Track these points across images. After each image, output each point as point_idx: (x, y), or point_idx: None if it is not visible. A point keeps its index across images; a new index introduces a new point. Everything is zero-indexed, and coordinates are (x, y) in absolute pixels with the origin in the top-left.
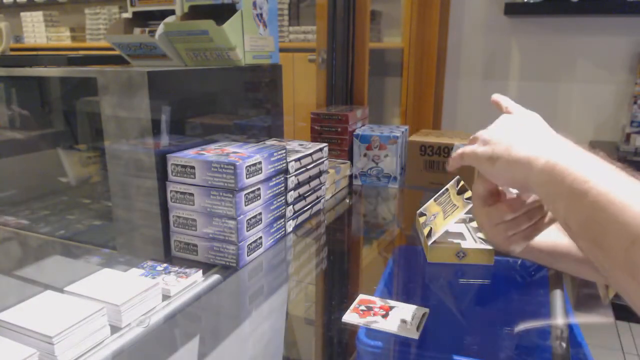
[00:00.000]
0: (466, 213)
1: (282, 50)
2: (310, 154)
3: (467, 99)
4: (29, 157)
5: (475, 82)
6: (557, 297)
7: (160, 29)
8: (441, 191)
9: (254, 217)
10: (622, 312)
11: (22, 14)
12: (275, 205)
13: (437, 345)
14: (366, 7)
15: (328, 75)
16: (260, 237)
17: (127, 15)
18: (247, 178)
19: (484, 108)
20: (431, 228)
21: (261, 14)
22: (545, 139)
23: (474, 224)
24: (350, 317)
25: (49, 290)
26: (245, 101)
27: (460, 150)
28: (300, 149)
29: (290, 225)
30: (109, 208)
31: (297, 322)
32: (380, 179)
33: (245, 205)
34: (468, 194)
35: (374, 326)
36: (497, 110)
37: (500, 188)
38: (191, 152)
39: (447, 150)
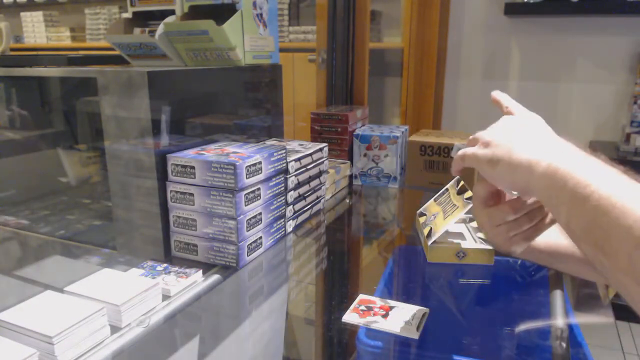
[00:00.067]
0: (466, 213)
1: (282, 50)
2: (310, 154)
3: (467, 99)
4: (29, 157)
5: (475, 82)
6: (557, 297)
7: (160, 29)
8: (441, 191)
9: (254, 217)
10: (622, 312)
11: (22, 14)
12: (275, 205)
13: (437, 345)
14: (366, 7)
15: (328, 75)
16: (260, 237)
17: (127, 15)
18: (247, 178)
19: (484, 108)
20: (431, 228)
21: (261, 14)
22: (547, 142)
23: (474, 224)
24: (350, 317)
25: (49, 290)
26: (245, 101)
27: (461, 152)
28: (300, 149)
29: (290, 225)
30: (109, 208)
31: (297, 322)
32: (380, 179)
33: (245, 205)
34: (468, 194)
35: (374, 326)
36: (498, 111)
37: (500, 189)
38: (191, 152)
39: (447, 150)
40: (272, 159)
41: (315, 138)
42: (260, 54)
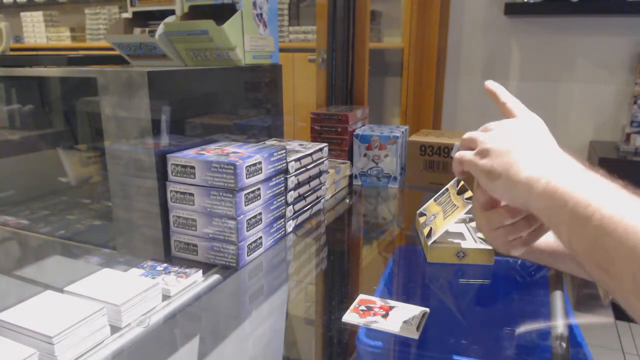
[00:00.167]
0: (466, 213)
1: (282, 50)
2: (310, 154)
3: (467, 99)
4: (29, 157)
5: (475, 82)
6: (557, 297)
7: (160, 29)
8: (441, 191)
9: (254, 217)
10: (622, 312)
11: (22, 14)
12: (275, 205)
13: (437, 345)
14: (366, 7)
15: (328, 75)
16: (260, 237)
17: (127, 15)
18: (247, 178)
19: (484, 108)
20: (431, 228)
21: (261, 14)
22: (546, 155)
23: (474, 224)
24: (350, 317)
25: (49, 290)
26: (245, 101)
27: (458, 156)
28: (300, 149)
29: (290, 225)
30: (109, 208)
31: (297, 322)
32: (380, 179)
33: (245, 205)
34: (468, 194)
35: (374, 326)
36: (498, 111)
37: None
38: (191, 152)
39: (447, 150)
40: (272, 159)
41: (315, 138)
42: (260, 54)
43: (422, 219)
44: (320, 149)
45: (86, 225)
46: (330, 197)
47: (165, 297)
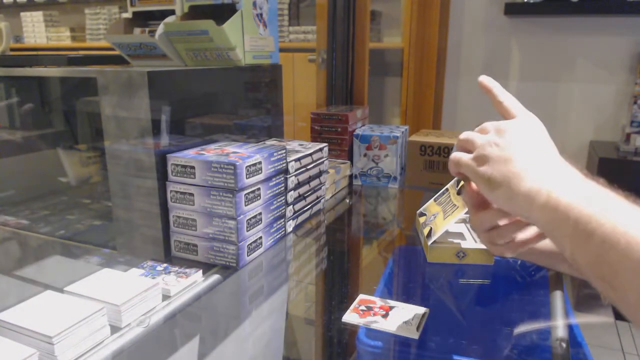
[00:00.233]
0: (466, 213)
1: (282, 50)
2: (310, 154)
3: (467, 99)
4: (29, 157)
5: (475, 82)
6: (557, 297)
7: (160, 29)
8: (441, 191)
9: (254, 217)
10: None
11: (22, 14)
12: (275, 205)
13: (437, 345)
14: (366, 7)
15: (328, 75)
16: (260, 237)
17: (127, 15)
18: (247, 178)
19: (484, 108)
20: (431, 228)
21: (261, 14)
22: (547, 165)
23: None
24: (350, 317)
25: (49, 290)
26: (245, 101)
27: (455, 158)
28: (300, 149)
29: (290, 225)
30: (109, 208)
31: (297, 322)
32: (380, 179)
33: (245, 205)
34: None
35: (374, 326)
36: (498, 111)
37: None
38: (191, 152)
39: (447, 150)
40: (272, 159)
41: (315, 138)
42: (260, 54)
43: (422, 219)
44: (320, 149)
45: (86, 225)
46: (330, 197)
47: (165, 297)
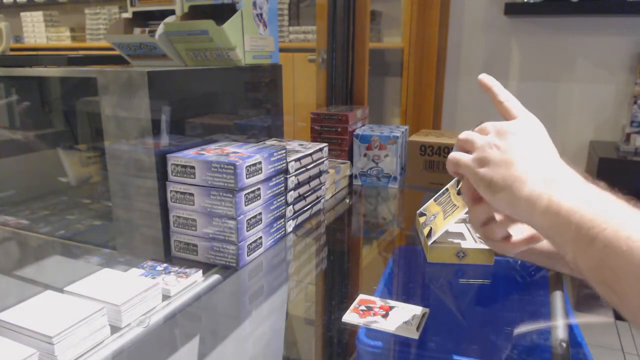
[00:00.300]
0: (466, 213)
1: (282, 50)
2: (310, 154)
3: (467, 99)
4: (29, 157)
5: (475, 82)
6: (557, 297)
7: (160, 29)
8: (441, 191)
9: (254, 217)
10: None
11: (22, 14)
12: (275, 205)
13: (437, 345)
14: (366, 7)
15: (328, 75)
16: (260, 237)
17: (127, 15)
18: (247, 178)
19: (484, 108)
20: (431, 228)
21: (261, 14)
22: (548, 169)
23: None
24: (350, 317)
25: (49, 290)
26: (245, 101)
27: (454, 158)
28: (300, 149)
29: (290, 225)
30: (109, 208)
31: (297, 322)
32: (380, 179)
33: (245, 205)
34: None
35: (374, 326)
36: (498, 111)
37: None
38: (191, 152)
39: (447, 150)
40: (272, 159)
41: (315, 138)
42: (260, 54)
43: (422, 219)
44: (320, 149)
45: (86, 225)
46: (330, 197)
47: (165, 297)
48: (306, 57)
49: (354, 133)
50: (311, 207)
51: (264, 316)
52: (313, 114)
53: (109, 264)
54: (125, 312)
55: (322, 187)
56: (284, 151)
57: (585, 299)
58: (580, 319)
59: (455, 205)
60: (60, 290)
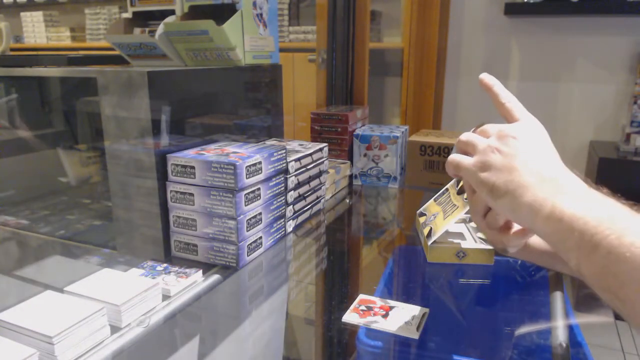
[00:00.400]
0: (466, 213)
1: (282, 50)
2: (310, 154)
3: (467, 99)
4: (29, 157)
5: (475, 82)
6: (557, 297)
7: (160, 29)
8: (441, 191)
9: (254, 217)
10: None
11: (22, 14)
12: (275, 205)
13: (437, 345)
14: (366, 7)
15: (328, 75)
16: (260, 237)
17: (127, 15)
18: (247, 178)
19: (484, 108)
20: (431, 228)
21: (261, 14)
22: (550, 175)
23: (474, 224)
24: (350, 317)
25: (49, 290)
26: (245, 101)
27: (454, 161)
28: (300, 149)
29: (290, 225)
30: (109, 208)
31: (297, 322)
32: (380, 179)
33: (245, 205)
34: None
35: (374, 326)
36: (499, 113)
37: None
38: (191, 152)
39: (447, 150)
40: (272, 159)
41: (315, 138)
42: (260, 54)
43: (422, 219)
44: (320, 149)
45: (86, 225)
46: (330, 197)
47: (165, 297)
48: (306, 57)
49: (354, 133)
50: (311, 207)
51: (264, 316)
52: (313, 114)
53: (109, 264)
54: (125, 312)
55: (322, 187)
56: (284, 151)
57: (585, 299)
58: (580, 319)
59: (455, 205)
60: (60, 290)
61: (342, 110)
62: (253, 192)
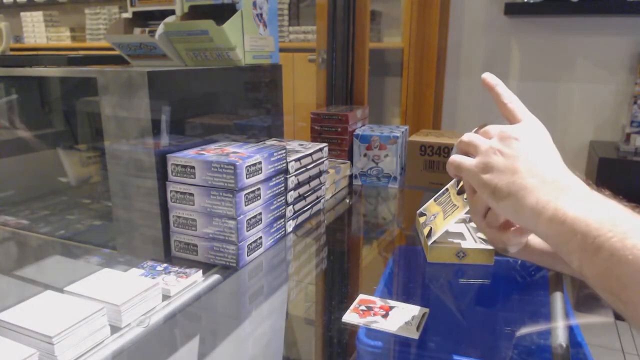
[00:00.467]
0: (466, 213)
1: (282, 50)
2: (310, 154)
3: (467, 99)
4: (29, 157)
5: (475, 82)
6: (557, 297)
7: (160, 29)
8: (441, 191)
9: (254, 217)
10: None
11: (22, 14)
12: (275, 205)
13: (437, 345)
14: (366, 7)
15: (328, 75)
16: (260, 237)
17: (127, 15)
18: (247, 178)
19: (484, 108)
20: (431, 228)
21: (261, 14)
22: (553, 177)
23: (474, 224)
24: (350, 317)
25: (49, 290)
26: (245, 101)
27: (455, 162)
28: (300, 149)
29: (290, 225)
30: (109, 208)
31: (297, 322)
32: (380, 179)
33: (245, 205)
34: None
35: (374, 326)
36: (501, 113)
37: None
38: (191, 152)
39: (447, 150)
40: (272, 159)
41: (315, 138)
42: (260, 54)
43: (422, 219)
44: (320, 149)
45: (86, 225)
46: (330, 197)
47: (165, 297)
48: (306, 57)
49: (354, 133)
50: (311, 207)
51: (264, 316)
52: (313, 114)
53: (109, 264)
54: (125, 312)
55: (322, 187)
56: (284, 151)
57: (585, 299)
58: (580, 319)
59: (455, 205)
60: (60, 290)
61: (342, 110)
62: (253, 192)
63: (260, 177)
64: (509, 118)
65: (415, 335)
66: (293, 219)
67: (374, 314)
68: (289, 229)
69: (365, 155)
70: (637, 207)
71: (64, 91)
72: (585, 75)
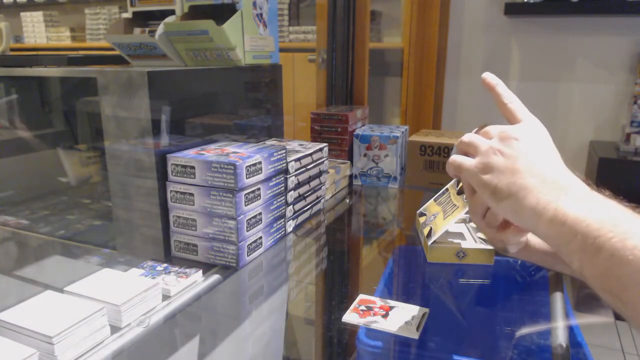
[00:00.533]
0: (466, 213)
1: (282, 50)
2: (310, 154)
3: (467, 99)
4: (29, 157)
5: (475, 82)
6: (557, 297)
7: (160, 29)
8: (441, 191)
9: (254, 217)
10: None
11: (22, 14)
12: (275, 205)
13: (437, 345)
14: (366, 7)
15: (328, 75)
16: (260, 237)
17: (127, 15)
18: (247, 178)
19: (484, 108)
20: (431, 228)
21: (261, 14)
22: (553, 178)
23: (474, 224)
24: (350, 317)
25: (49, 290)
26: (245, 101)
27: (456, 163)
28: (300, 149)
29: (290, 225)
30: (109, 208)
31: (297, 322)
32: (380, 179)
33: (245, 205)
34: None
35: (374, 326)
36: (499, 111)
37: None
38: (191, 152)
39: (447, 150)
40: (272, 159)
41: (315, 138)
42: (260, 54)
43: (422, 219)
44: (320, 149)
45: (86, 225)
46: (330, 197)
47: (165, 297)
48: (306, 57)
49: (354, 133)
50: (311, 207)
51: (264, 316)
52: (313, 114)
53: (109, 264)
54: (125, 312)
55: (322, 187)
56: (284, 151)
57: (585, 299)
58: (580, 319)
59: (455, 205)
60: (60, 290)
61: (342, 110)
62: (253, 192)
63: (260, 177)
64: (509, 118)
65: (415, 335)
66: (293, 219)
67: (374, 314)
68: (289, 229)
69: (365, 155)
70: (637, 207)
71: (64, 91)
72: (585, 75)
